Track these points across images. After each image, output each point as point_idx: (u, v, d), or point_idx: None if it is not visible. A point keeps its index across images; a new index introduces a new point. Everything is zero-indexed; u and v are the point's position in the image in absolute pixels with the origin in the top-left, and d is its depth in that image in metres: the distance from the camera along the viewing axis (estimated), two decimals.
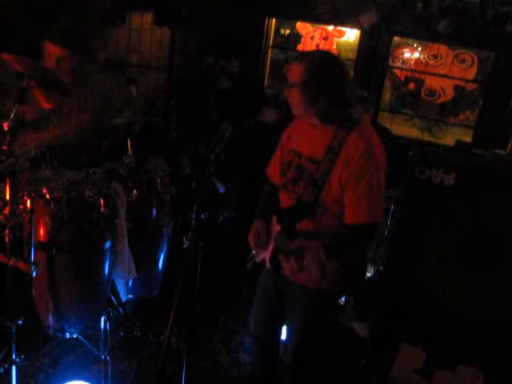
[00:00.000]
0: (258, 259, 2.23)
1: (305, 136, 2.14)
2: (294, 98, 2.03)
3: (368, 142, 1.99)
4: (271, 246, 2.13)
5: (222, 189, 3.12)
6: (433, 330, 2.54)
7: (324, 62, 2.02)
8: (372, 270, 3.68)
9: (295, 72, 2.00)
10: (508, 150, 3.49)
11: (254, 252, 2.25)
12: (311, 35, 6.02)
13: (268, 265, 2.15)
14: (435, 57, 5.59)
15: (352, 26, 5.56)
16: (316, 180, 2.02)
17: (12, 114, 2.23)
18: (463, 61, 5.46)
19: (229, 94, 3.86)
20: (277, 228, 2.12)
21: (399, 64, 5.96)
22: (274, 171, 2.32)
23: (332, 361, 2.90)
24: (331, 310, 2.39)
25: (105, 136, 2.94)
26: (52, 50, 2.70)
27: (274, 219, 2.16)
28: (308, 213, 2.06)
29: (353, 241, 2.06)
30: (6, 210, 2.16)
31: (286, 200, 2.18)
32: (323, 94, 1.97)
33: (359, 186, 1.95)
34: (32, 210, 2.22)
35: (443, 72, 5.60)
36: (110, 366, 2.56)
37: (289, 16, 5.98)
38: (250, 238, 2.18)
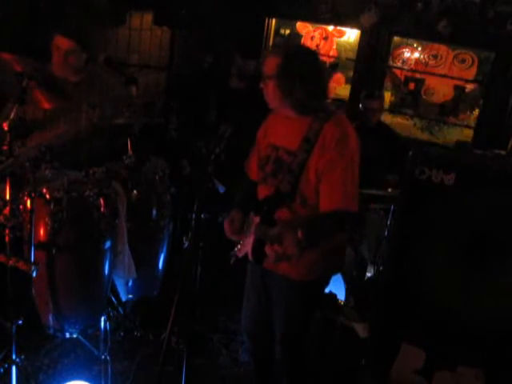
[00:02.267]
0: (240, 254, 2.24)
1: (280, 129, 2.17)
2: (270, 90, 2.05)
3: (343, 132, 2.02)
4: (252, 239, 2.13)
5: (222, 189, 3.12)
6: (433, 330, 2.54)
7: (298, 53, 2.06)
8: (372, 270, 3.68)
9: (270, 64, 2.03)
10: (508, 149, 3.49)
11: (236, 248, 2.26)
12: (311, 35, 6.02)
13: (250, 257, 2.16)
14: (435, 57, 5.58)
15: (352, 26, 5.56)
16: (293, 171, 2.04)
17: (12, 114, 2.24)
18: (463, 61, 5.46)
19: (237, 95, 3.84)
20: (255, 220, 2.13)
21: (399, 64, 5.96)
22: (251, 166, 2.35)
23: (332, 361, 2.90)
24: (314, 300, 2.38)
25: (106, 136, 2.94)
26: (61, 43, 2.71)
27: (252, 213, 2.17)
28: (285, 202, 2.07)
29: (327, 227, 2.03)
30: (6, 210, 2.16)
31: (264, 192, 2.19)
32: (298, 85, 1.99)
33: (334, 173, 1.97)
34: (32, 210, 2.22)
35: (443, 72, 5.59)
36: (109, 366, 2.56)
37: (289, 16, 5.97)
38: (226, 226, 2.20)
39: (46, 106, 2.57)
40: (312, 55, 2.10)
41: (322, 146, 1.99)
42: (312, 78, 2.02)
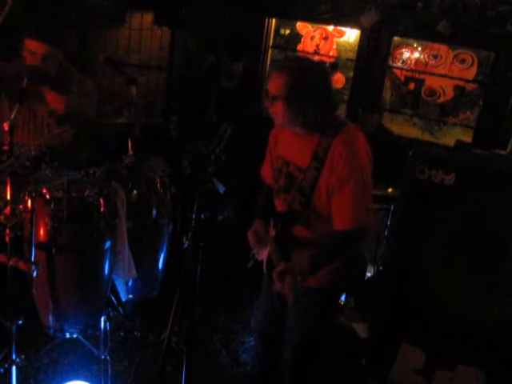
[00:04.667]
0: (260, 258, 2.24)
1: (290, 144, 2.12)
2: (278, 110, 1.97)
3: (352, 147, 1.96)
4: (268, 250, 2.13)
5: (221, 189, 3.12)
6: (433, 329, 2.54)
7: (305, 70, 1.95)
8: (372, 270, 3.68)
9: (276, 83, 1.93)
10: (508, 150, 3.48)
11: (254, 251, 2.26)
12: (311, 35, 6.02)
13: (265, 267, 2.17)
14: (435, 57, 5.58)
15: (352, 25, 5.56)
16: (303, 189, 2.02)
17: (12, 114, 2.24)
18: (463, 61, 5.45)
19: (229, 93, 3.87)
20: (272, 233, 2.13)
21: (399, 64, 5.96)
22: (266, 173, 2.33)
23: (332, 361, 2.90)
24: (330, 308, 2.39)
25: (106, 136, 2.94)
26: (35, 48, 2.57)
27: (272, 222, 2.17)
28: (299, 220, 2.07)
29: (339, 247, 2.06)
30: (7, 210, 2.16)
31: (279, 206, 2.19)
32: (309, 104, 1.93)
33: (344, 192, 1.94)
34: (32, 210, 2.22)
35: (443, 72, 5.59)
36: (109, 366, 2.56)
37: (289, 16, 5.97)
38: (250, 236, 2.18)
39: (56, 106, 2.56)
40: (318, 69, 2.01)
41: (331, 165, 1.95)
42: (321, 95, 1.95)
